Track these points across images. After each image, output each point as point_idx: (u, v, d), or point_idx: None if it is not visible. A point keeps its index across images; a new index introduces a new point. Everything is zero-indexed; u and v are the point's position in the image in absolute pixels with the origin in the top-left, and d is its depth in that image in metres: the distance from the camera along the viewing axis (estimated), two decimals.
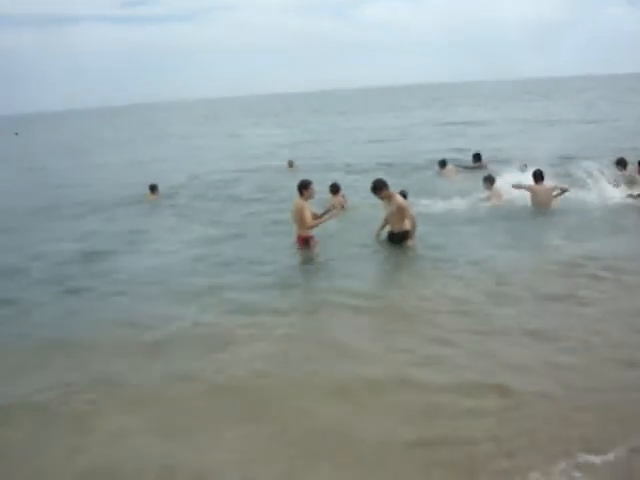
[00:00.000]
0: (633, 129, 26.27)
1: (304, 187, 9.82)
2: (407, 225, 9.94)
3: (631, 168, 13.58)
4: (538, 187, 12.00)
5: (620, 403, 4.99)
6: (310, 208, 9.98)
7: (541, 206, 11.95)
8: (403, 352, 6.15)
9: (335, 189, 12.80)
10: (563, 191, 12.05)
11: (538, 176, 12.03)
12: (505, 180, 13.49)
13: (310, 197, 9.95)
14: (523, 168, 14.44)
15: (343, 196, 12.96)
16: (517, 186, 12.29)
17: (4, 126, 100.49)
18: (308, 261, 9.83)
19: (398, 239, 10.03)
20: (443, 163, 17.73)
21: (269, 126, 49.00)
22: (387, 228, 10.26)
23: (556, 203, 11.99)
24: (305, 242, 10.10)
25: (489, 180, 13.10)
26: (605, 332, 6.28)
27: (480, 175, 14.45)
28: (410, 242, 9.92)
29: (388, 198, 9.95)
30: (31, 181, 24.17)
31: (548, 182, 12.21)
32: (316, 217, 10.09)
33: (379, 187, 9.91)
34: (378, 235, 10.40)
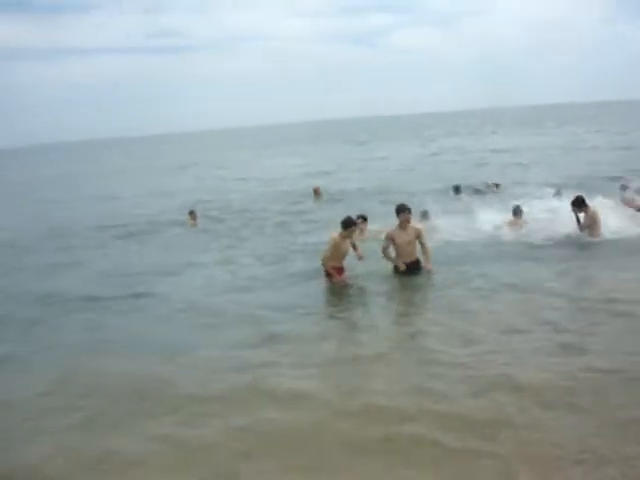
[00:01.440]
0: None
1: (346, 225, 9.81)
2: (415, 252, 10.04)
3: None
4: (591, 213, 11.69)
5: None
6: (347, 244, 9.96)
7: (594, 234, 11.61)
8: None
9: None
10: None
11: (581, 203, 11.71)
12: (532, 205, 13.77)
13: (349, 236, 9.91)
14: (557, 194, 14.62)
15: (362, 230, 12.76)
16: (585, 225, 11.70)
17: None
18: (333, 296, 9.83)
19: (412, 269, 10.02)
20: (457, 188, 18.13)
21: (294, 155, 49.87)
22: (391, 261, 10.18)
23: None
24: (337, 271, 9.97)
25: (518, 212, 13.01)
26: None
27: (495, 199, 15.09)
28: (429, 265, 10.03)
29: (405, 225, 9.93)
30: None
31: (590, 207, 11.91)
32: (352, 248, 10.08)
33: (407, 209, 9.91)
34: (401, 265, 10.04)
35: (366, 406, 5.90)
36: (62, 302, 10.61)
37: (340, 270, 10.07)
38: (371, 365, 6.93)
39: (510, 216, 13.08)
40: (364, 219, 12.81)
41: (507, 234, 12.52)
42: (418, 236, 10.02)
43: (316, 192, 21.16)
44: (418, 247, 10.21)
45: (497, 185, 18.53)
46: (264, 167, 39.31)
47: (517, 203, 13.43)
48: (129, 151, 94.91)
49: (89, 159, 77.67)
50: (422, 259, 10.25)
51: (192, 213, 17.85)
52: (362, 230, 12.36)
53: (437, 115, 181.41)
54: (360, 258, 10.15)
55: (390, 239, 10.03)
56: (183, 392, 6.61)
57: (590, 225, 11.63)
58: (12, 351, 8.40)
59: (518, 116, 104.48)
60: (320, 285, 10.20)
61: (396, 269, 10.15)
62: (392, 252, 10.12)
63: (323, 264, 10.06)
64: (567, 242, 11.70)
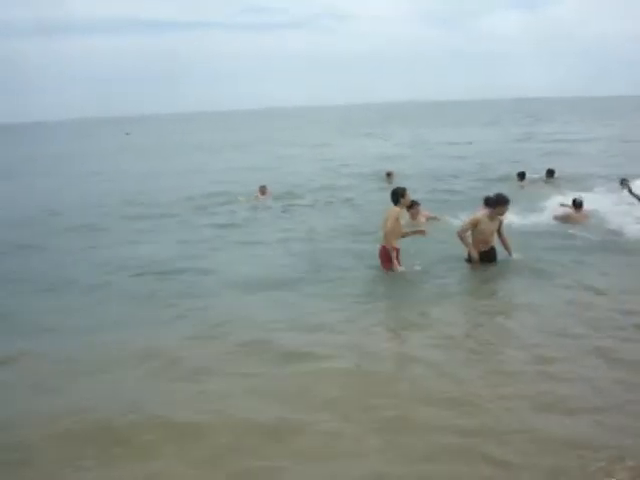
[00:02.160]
0: None
1: (401, 195, 9.48)
2: (493, 241, 9.77)
3: None
4: None
5: None
6: (398, 220, 9.51)
7: None
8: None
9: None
10: None
11: None
12: (596, 196, 13.71)
13: (405, 206, 9.72)
14: (624, 185, 14.26)
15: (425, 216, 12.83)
16: None
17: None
18: (387, 289, 9.41)
19: (489, 257, 9.74)
20: (522, 175, 17.96)
21: (371, 136, 49.45)
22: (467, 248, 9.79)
23: None
24: (387, 254, 9.50)
25: (578, 204, 12.64)
26: None
27: (557, 189, 15.29)
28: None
29: (496, 215, 9.59)
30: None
31: None
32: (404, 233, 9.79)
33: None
34: (475, 256, 9.66)
35: (403, 441, 5.16)
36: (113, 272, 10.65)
37: (390, 255, 9.53)
38: (408, 386, 6.20)
39: (571, 208, 12.82)
40: (415, 203, 12.25)
41: (568, 227, 12.30)
42: (501, 225, 9.81)
43: (389, 175, 20.53)
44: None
45: (551, 171, 18.31)
46: (341, 147, 39.01)
47: (578, 195, 13.10)
48: (201, 126, 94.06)
49: (174, 132, 77.69)
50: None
51: (263, 187, 17.83)
52: (414, 215, 12.37)
53: (522, 101, 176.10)
54: (422, 233, 10.00)
55: (473, 224, 9.67)
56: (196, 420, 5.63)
57: None
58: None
59: (605, 105, 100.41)
60: (374, 274, 9.80)
61: (469, 257, 9.80)
62: (469, 237, 9.76)
63: (384, 240, 9.64)
64: (633, 237, 11.15)
